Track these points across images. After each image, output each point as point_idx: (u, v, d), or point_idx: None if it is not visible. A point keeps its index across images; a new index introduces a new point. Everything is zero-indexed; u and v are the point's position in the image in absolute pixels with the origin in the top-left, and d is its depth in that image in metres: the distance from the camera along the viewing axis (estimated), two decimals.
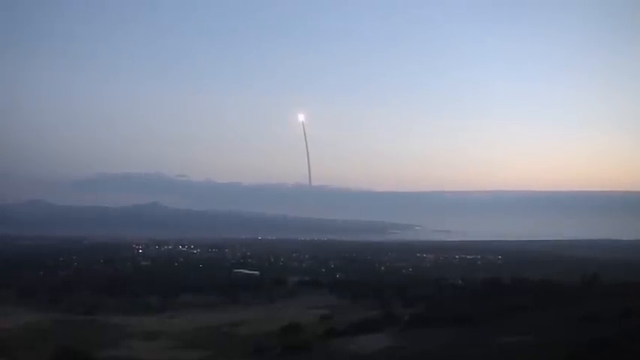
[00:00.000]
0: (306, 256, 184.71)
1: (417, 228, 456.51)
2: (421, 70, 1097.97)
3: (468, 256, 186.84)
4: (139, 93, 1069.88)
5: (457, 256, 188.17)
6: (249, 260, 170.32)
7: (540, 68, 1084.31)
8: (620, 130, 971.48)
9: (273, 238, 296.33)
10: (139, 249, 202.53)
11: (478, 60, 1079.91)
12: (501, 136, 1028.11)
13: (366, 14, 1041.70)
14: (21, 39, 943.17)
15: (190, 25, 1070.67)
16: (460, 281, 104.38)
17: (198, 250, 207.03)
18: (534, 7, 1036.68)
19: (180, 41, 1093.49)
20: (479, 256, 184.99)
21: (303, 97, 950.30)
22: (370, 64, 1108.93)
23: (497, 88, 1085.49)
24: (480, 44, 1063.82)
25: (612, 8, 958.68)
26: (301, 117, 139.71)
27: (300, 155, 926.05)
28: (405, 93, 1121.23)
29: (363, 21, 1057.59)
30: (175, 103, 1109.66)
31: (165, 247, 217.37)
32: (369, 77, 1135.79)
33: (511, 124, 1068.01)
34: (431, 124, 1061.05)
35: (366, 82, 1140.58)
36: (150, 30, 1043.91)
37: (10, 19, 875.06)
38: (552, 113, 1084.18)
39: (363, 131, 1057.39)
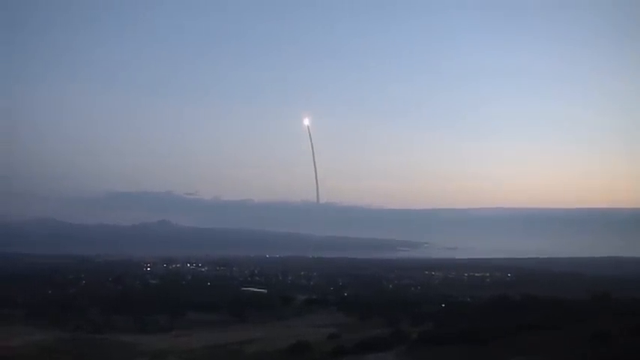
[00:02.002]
0: (314, 274, 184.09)
1: (426, 245, 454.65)
2: (431, 87, 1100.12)
3: (477, 274, 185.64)
4: (148, 111, 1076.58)
5: (466, 274, 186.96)
6: (257, 278, 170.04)
7: (550, 86, 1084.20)
8: (630, 147, 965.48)
9: (281, 255, 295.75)
10: (147, 267, 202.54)
11: (488, 77, 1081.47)
12: (511, 153, 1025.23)
13: (377, 31, 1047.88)
14: (28, 58, 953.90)
15: (199, 44, 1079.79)
16: (469, 299, 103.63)
17: (207, 268, 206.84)
18: (543, 24, 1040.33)
19: (188, 60, 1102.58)
20: (488, 274, 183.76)
21: (311, 113, 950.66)
22: (379, 80, 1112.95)
23: (508, 105, 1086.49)
24: (490, 61, 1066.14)
25: (622, 25, 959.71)
26: (306, 121, 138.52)
27: (308, 172, 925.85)
28: (414, 109, 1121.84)
29: (373, 37, 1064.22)
30: (184, 121, 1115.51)
31: (174, 265, 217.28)
32: (378, 94, 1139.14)
33: (521, 140, 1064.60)
34: (439, 140, 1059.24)
35: (375, 98, 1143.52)
36: (159, 48, 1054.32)
37: (19, 34, 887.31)
38: (562, 130, 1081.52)
39: (371, 148, 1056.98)
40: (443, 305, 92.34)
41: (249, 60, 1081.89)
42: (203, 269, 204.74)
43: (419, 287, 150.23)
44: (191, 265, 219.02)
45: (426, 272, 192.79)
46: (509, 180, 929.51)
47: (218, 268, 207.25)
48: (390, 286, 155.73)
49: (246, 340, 62.32)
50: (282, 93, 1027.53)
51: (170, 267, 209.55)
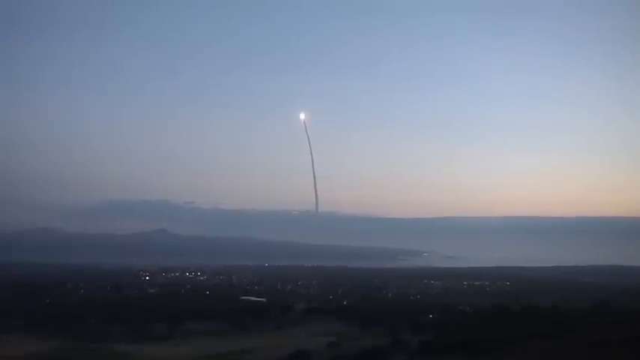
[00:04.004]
0: (314, 283, 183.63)
1: (425, 254, 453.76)
2: (429, 96, 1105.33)
3: (476, 282, 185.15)
4: (146, 119, 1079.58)
5: (465, 283, 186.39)
6: (257, 287, 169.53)
7: (553, 95, 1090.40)
8: (631, 156, 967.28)
9: (281, 264, 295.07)
10: (146, 276, 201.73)
11: (490, 87, 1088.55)
12: (510, 162, 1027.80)
13: (380, 39, 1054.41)
14: (30, 64, 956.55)
15: (198, 51, 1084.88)
16: (468, 308, 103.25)
17: (206, 277, 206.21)
18: (542, 36, 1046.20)
19: (187, 68, 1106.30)
20: (487, 282, 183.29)
21: (311, 122, 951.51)
22: (378, 89, 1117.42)
23: (509, 114, 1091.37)
24: (493, 71, 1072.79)
25: (621, 34, 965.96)
26: (302, 116, 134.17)
27: (308, 181, 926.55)
28: (414, 119, 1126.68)
29: (376, 45, 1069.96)
30: (183, 129, 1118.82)
31: (173, 274, 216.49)
32: (377, 103, 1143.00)
33: (521, 150, 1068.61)
34: (439, 149, 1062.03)
35: (374, 107, 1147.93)
36: (157, 56, 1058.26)
37: (22, 41, 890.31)
38: (560, 139, 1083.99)
39: (371, 157, 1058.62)
40: (440, 315, 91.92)
41: (249, 68, 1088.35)
42: (202, 278, 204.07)
43: (418, 296, 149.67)
44: (190, 274, 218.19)
45: (426, 281, 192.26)
46: (509, 189, 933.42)
47: (217, 277, 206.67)
48: (390, 294, 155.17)
49: (246, 349, 62.26)
50: (283, 101, 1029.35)
51: (169, 276, 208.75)
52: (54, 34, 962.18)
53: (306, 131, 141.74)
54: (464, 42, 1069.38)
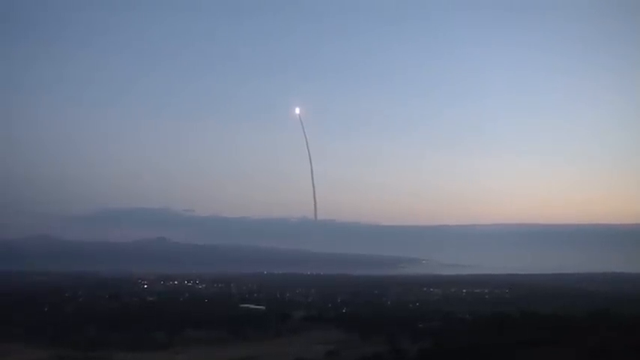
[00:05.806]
0: (313, 291, 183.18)
1: (424, 262, 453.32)
2: (429, 103, 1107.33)
3: (476, 290, 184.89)
4: (145, 127, 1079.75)
5: (464, 290, 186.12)
6: (256, 295, 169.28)
7: (555, 102, 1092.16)
8: (629, 163, 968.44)
9: (280, 272, 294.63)
10: (144, 284, 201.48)
11: (486, 94, 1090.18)
12: (508, 169, 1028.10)
13: (383, 47, 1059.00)
14: (27, 75, 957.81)
15: (197, 58, 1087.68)
16: (468, 315, 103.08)
17: (204, 285, 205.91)
18: (545, 41, 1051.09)
19: (185, 75, 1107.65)
20: (486, 290, 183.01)
21: (312, 128, 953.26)
22: (378, 97, 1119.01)
23: (505, 122, 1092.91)
24: (494, 78, 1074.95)
25: (630, 43, 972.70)
26: (297, 110, 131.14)
27: (307, 188, 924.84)
28: (413, 126, 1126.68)
29: (378, 53, 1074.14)
30: (181, 137, 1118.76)
31: (172, 281, 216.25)
32: (377, 110, 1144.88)
33: (518, 157, 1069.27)
34: (437, 157, 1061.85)
35: (374, 115, 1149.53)
36: (155, 63, 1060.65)
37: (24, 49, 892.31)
38: (560, 147, 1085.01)
39: (370, 165, 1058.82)
40: (440, 322, 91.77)
41: (248, 74, 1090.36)
42: (201, 286, 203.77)
43: (418, 304, 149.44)
44: (189, 282, 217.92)
45: (425, 289, 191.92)
46: (508, 196, 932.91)
47: (216, 285, 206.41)
48: (389, 302, 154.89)
49: (245, 357, 62.24)
50: (283, 107, 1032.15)
51: (168, 284, 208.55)
52: (55, 40, 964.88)
53: (303, 130, 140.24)
54: (468, 50, 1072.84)
